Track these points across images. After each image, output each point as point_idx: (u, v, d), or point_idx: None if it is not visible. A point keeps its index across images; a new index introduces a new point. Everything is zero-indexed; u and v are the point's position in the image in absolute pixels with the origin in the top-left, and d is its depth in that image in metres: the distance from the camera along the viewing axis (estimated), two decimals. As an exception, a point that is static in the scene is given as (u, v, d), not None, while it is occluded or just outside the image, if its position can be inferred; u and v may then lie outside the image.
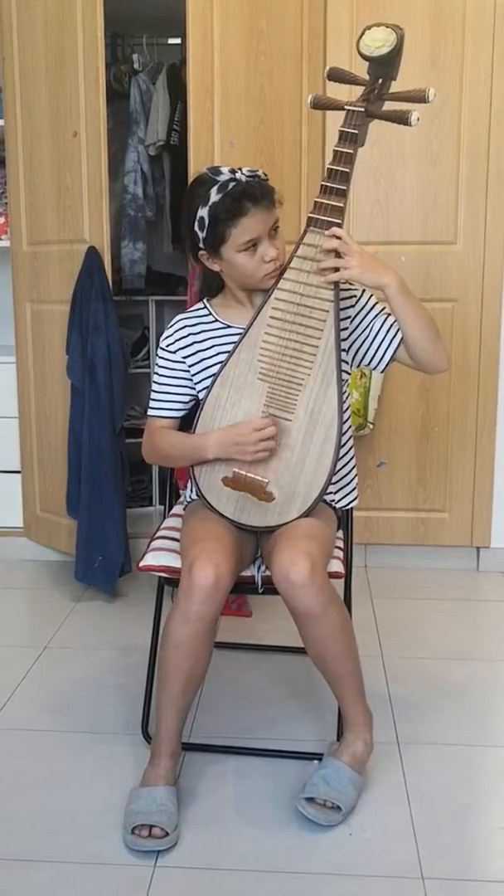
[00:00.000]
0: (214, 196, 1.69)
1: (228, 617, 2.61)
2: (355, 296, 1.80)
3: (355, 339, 1.81)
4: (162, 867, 1.56)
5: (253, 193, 1.69)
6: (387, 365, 1.81)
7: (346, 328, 1.80)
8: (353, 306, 1.80)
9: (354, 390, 2.74)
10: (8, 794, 1.77)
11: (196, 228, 1.73)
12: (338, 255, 1.68)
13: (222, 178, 1.70)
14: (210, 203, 1.70)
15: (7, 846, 1.61)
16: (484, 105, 2.78)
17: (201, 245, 1.75)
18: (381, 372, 1.88)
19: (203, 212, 1.71)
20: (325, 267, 1.69)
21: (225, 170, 1.71)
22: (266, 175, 1.74)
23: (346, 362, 1.81)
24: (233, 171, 1.71)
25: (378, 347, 1.80)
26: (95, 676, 2.28)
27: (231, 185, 1.69)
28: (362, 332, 1.80)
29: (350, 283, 1.78)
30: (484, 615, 2.72)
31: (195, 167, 2.63)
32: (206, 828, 1.67)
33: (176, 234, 3.54)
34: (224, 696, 2.16)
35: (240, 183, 1.69)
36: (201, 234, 1.73)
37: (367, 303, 1.80)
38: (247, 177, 1.71)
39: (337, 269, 1.69)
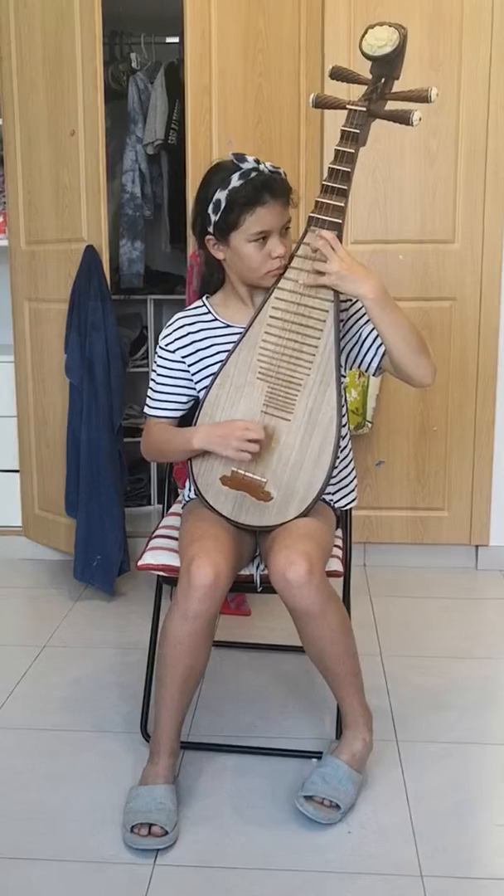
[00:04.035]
0: (235, 181, 1.70)
1: (227, 615, 2.61)
2: (350, 299, 1.79)
3: (346, 343, 1.81)
4: (161, 865, 1.56)
5: (273, 187, 1.70)
6: (375, 371, 1.81)
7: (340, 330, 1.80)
8: (346, 310, 1.80)
9: (353, 389, 2.74)
10: (7, 792, 1.77)
11: (209, 211, 1.73)
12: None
13: (246, 165, 1.71)
14: (230, 187, 1.70)
15: (6, 844, 1.61)
16: (482, 104, 2.79)
17: (210, 229, 1.74)
18: (374, 376, 1.88)
19: (221, 195, 1.70)
20: (310, 270, 1.69)
21: (250, 159, 1.72)
22: (286, 174, 1.75)
23: (342, 365, 1.81)
24: (257, 162, 1.72)
25: (366, 354, 1.79)
26: (94, 675, 2.28)
27: (253, 174, 1.70)
28: (352, 336, 1.80)
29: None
30: (482, 613, 2.72)
31: (193, 166, 2.63)
32: (205, 826, 1.67)
33: (174, 233, 3.54)
34: (223, 695, 2.16)
35: (262, 174, 1.70)
36: (214, 218, 1.72)
37: (359, 309, 1.79)
38: (269, 171, 1.72)
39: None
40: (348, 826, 1.66)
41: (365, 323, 1.78)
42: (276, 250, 1.72)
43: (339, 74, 1.74)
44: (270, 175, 1.71)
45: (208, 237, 1.76)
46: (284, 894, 1.49)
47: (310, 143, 2.80)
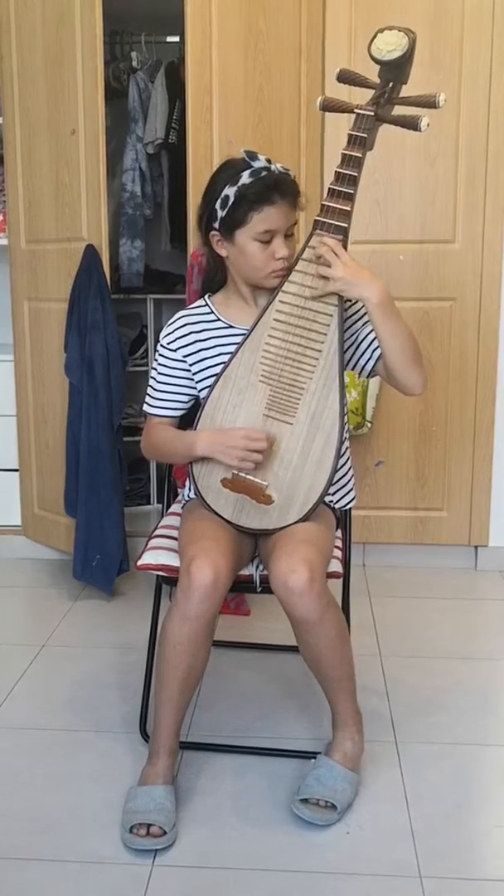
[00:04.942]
0: (246, 178, 1.70)
1: (226, 615, 2.61)
2: (350, 301, 1.78)
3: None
4: (160, 866, 1.56)
5: (283, 187, 1.70)
6: (369, 374, 1.81)
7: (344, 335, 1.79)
8: (345, 310, 1.79)
9: (353, 389, 2.74)
10: (6, 792, 1.77)
11: (217, 206, 1.73)
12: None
13: (257, 164, 1.72)
14: (240, 184, 1.70)
15: (5, 844, 1.61)
16: (482, 104, 2.78)
17: (216, 225, 1.74)
18: (366, 378, 1.88)
19: (230, 191, 1.71)
20: (315, 274, 1.69)
21: (262, 157, 1.73)
22: (295, 177, 1.76)
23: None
24: (269, 161, 1.73)
25: (361, 356, 1.79)
26: (93, 675, 2.28)
27: (264, 172, 1.71)
28: (349, 338, 1.79)
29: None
30: (481, 614, 2.72)
31: (194, 165, 2.63)
32: (203, 826, 1.67)
33: (174, 233, 3.54)
34: (222, 695, 2.16)
35: (273, 174, 1.71)
36: (221, 213, 1.72)
37: (358, 310, 1.79)
38: (280, 171, 1.73)
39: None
40: (347, 827, 1.66)
41: (363, 325, 1.78)
42: (279, 251, 1.72)
43: (347, 78, 1.73)
44: (281, 175, 1.72)
45: (213, 233, 1.76)
46: (283, 894, 1.49)
47: (310, 144, 2.80)
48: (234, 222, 1.71)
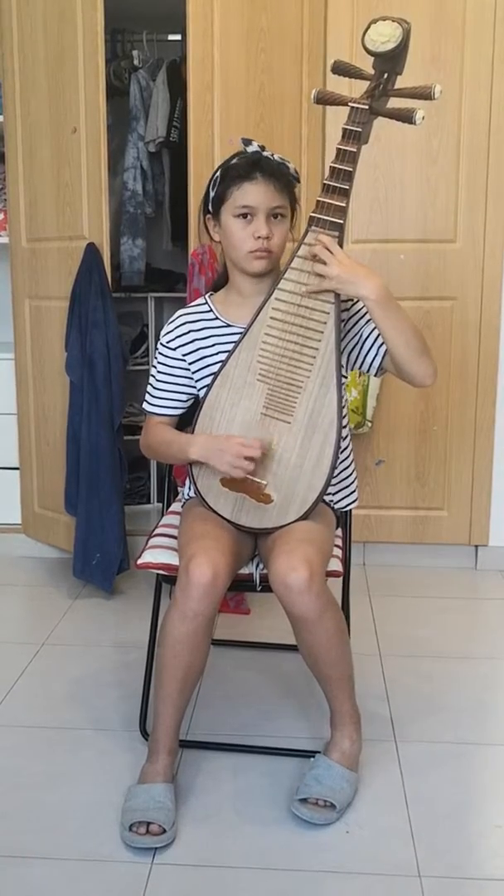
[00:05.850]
0: (234, 160, 1.75)
1: (226, 614, 2.61)
2: (351, 300, 1.78)
3: (347, 343, 1.80)
4: (159, 864, 1.56)
5: (265, 165, 1.72)
6: (377, 372, 1.80)
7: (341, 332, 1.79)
8: (347, 309, 1.79)
9: (353, 388, 2.74)
10: (5, 790, 1.77)
11: (209, 187, 1.77)
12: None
13: (249, 148, 1.75)
14: (227, 164, 1.75)
15: (4, 843, 1.61)
16: (484, 102, 2.78)
17: (209, 206, 1.78)
18: (375, 377, 1.87)
19: (219, 171, 1.76)
20: (310, 271, 1.69)
21: (255, 144, 1.76)
22: (297, 172, 1.78)
23: (343, 365, 1.80)
24: (262, 148, 1.76)
25: (366, 355, 1.78)
26: (93, 673, 2.28)
27: (253, 155, 1.74)
28: (352, 338, 1.79)
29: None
30: (481, 613, 2.72)
31: (195, 164, 2.63)
32: (203, 825, 1.67)
33: (176, 231, 3.54)
34: (221, 694, 2.16)
35: (259, 155, 1.74)
36: (211, 193, 1.77)
37: (360, 309, 1.78)
38: (276, 160, 1.75)
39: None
40: (346, 826, 1.66)
41: (366, 323, 1.77)
42: (259, 230, 1.72)
43: (341, 69, 1.72)
44: (270, 158, 1.74)
45: (208, 216, 1.80)
46: (282, 894, 1.49)
47: (311, 141, 2.80)
48: (219, 199, 1.75)
